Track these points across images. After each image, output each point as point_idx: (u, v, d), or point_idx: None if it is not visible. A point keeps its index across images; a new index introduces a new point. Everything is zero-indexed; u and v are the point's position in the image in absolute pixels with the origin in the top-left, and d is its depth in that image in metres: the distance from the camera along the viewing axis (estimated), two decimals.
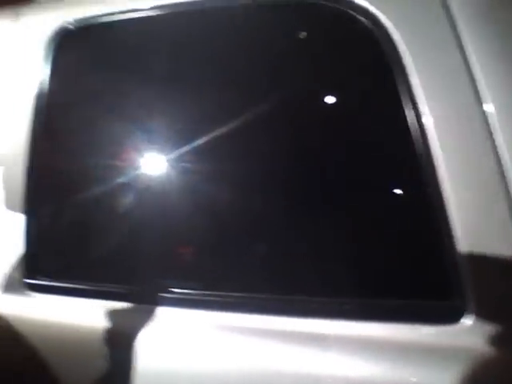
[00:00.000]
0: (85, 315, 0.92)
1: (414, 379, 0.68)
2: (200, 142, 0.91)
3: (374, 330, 0.74)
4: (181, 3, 0.97)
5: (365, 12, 0.81)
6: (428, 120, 0.75)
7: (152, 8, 0.99)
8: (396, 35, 0.78)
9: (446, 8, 0.77)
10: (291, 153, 0.86)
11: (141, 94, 0.99)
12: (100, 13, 1.03)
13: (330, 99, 0.86)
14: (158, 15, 0.99)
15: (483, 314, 0.68)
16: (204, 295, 0.87)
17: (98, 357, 0.87)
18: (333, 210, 0.83)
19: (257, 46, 0.92)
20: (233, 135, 0.90)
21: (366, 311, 0.76)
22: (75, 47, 1.06)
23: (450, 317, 0.70)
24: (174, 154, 0.94)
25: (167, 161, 0.95)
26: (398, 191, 0.80)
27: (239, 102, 0.90)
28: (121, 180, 0.99)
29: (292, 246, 0.85)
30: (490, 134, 0.71)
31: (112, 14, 1.02)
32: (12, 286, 0.98)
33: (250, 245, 0.87)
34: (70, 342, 0.90)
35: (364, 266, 0.79)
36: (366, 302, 0.77)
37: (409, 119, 0.76)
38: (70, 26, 1.04)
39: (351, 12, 0.83)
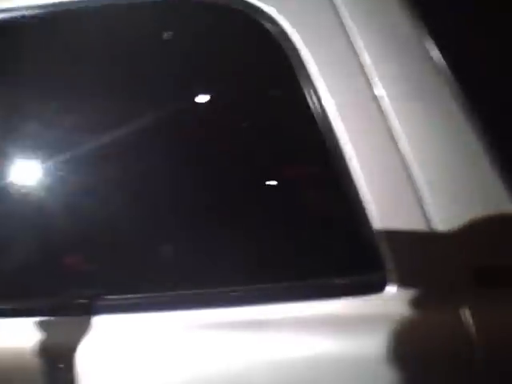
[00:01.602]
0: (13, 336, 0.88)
1: (348, 349, 0.75)
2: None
3: (308, 309, 0.79)
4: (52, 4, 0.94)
5: (257, 10, 0.86)
6: (331, 109, 0.81)
7: (20, 8, 0.96)
8: (290, 29, 0.83)
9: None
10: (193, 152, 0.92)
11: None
12: None
13: (230, 96, 0.92)
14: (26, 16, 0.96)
15: (403, 282, 0.76)
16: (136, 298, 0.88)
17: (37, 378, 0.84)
18: (251, 196, 0.90)
19: (148, 47, 0.95)
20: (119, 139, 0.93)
21: (297, 292, 0.82)
22: None
23: (375, 287, 0.78)
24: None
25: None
26: (314, 178, 0.89)
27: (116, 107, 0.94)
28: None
29: (216, 238, 0.88)
30: (386, 119, 0.79)
31: None
32: None
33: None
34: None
35: (292, 250, 0.86)
36: (297, 284, 0.84)
37: (313, 110, 0.82)
38: None
39: (245, 10, 0.87)
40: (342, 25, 0.83)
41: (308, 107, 0.83)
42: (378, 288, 0.79)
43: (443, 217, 0.77)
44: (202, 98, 0.97)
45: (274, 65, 0.90)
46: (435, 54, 0.81)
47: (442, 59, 0.80)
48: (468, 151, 0.78)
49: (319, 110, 0.82)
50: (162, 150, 0.94)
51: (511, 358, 0.72)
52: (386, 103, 0.80)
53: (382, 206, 0.79)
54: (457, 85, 0.79)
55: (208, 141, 0.92)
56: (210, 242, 0.88)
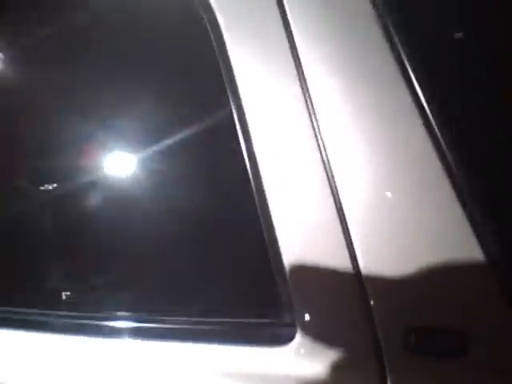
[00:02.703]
0: None
1: None
2: None
3: (213, 354, 0.69)
4: None
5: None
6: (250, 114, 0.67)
7: None
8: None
9: None
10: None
11: None
12: None
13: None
14: None
15: (315, 336, 0.63)
16: None
17: None
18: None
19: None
20: None
21: (204, 334, 0.72)
22: None
23: (280, 339, 0.65)
24: None
25: None
26: (225, 202, 0.76)
27: None
28: None
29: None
30: (316, 137, 0.62)
31: None
32: None
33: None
34: None
35: (195, 289, 0.76)
36: (204, 325, 0.73)
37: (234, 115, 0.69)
38: None
39: None
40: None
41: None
42: (283, 340, 0.64)
43: (372, 265, 0.60)
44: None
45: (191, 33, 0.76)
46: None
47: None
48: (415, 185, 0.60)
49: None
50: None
51: None
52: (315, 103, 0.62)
53: (295, 246, 0.63)
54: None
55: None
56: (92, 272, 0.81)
